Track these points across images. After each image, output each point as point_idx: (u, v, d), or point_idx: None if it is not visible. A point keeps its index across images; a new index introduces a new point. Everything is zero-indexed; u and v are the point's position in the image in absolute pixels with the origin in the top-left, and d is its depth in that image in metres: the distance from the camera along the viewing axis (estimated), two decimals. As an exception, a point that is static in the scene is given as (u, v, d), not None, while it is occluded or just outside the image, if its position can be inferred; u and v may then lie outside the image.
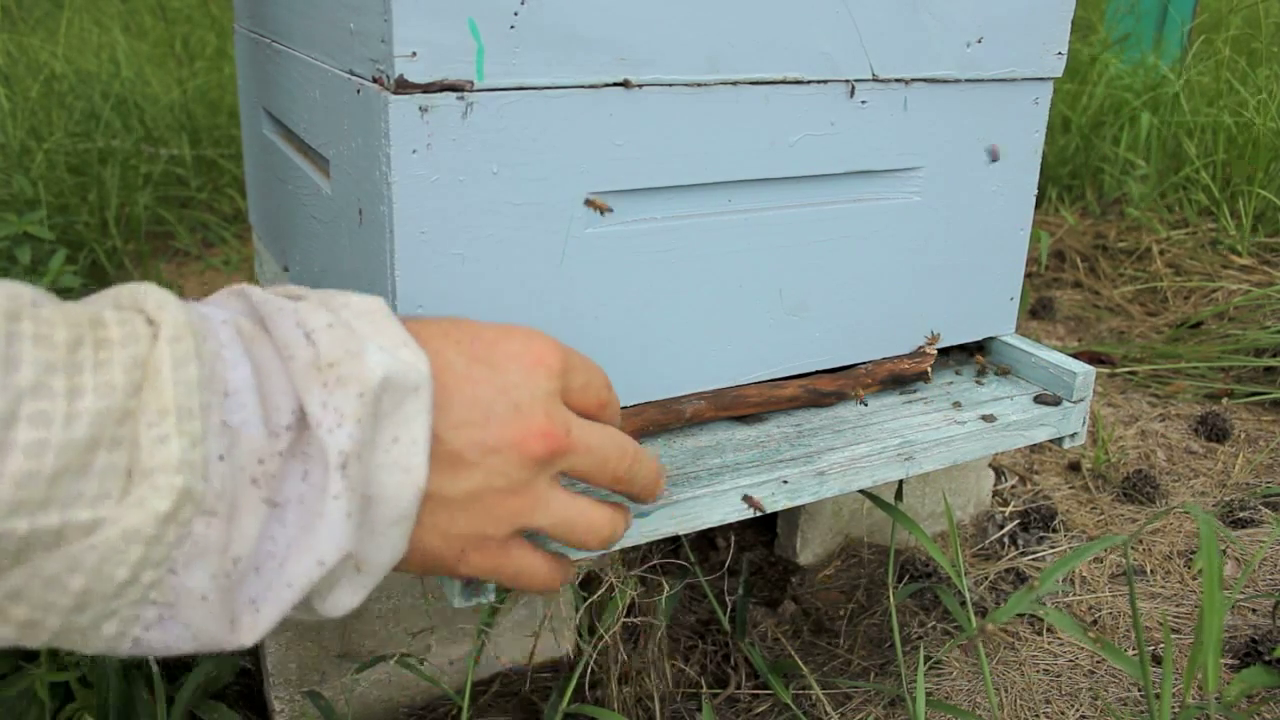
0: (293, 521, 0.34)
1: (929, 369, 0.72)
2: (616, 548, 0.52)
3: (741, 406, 0.66)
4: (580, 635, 0.73)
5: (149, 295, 0.33)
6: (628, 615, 0.78)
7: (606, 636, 0.69)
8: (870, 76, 0.63)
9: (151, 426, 0.30)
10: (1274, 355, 1.28)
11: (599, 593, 0.68)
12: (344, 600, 0.37)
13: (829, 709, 0.75)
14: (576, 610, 0.78)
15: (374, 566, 0.37)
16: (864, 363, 0.71)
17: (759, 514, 0.60)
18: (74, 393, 0.29)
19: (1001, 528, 0.99)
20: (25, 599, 0.30)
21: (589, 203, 0.55)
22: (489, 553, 0.41)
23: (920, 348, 0.73)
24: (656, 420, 0.63)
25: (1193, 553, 0.94)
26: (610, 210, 0.57)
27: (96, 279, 1.48)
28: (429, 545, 0.39)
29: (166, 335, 0.31)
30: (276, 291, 0.39)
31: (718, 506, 0.58)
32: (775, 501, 0.61)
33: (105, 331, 0.31)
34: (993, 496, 1.04)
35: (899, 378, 0.72)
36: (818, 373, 0.70)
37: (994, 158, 0.62)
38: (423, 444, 0.36)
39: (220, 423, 0.32)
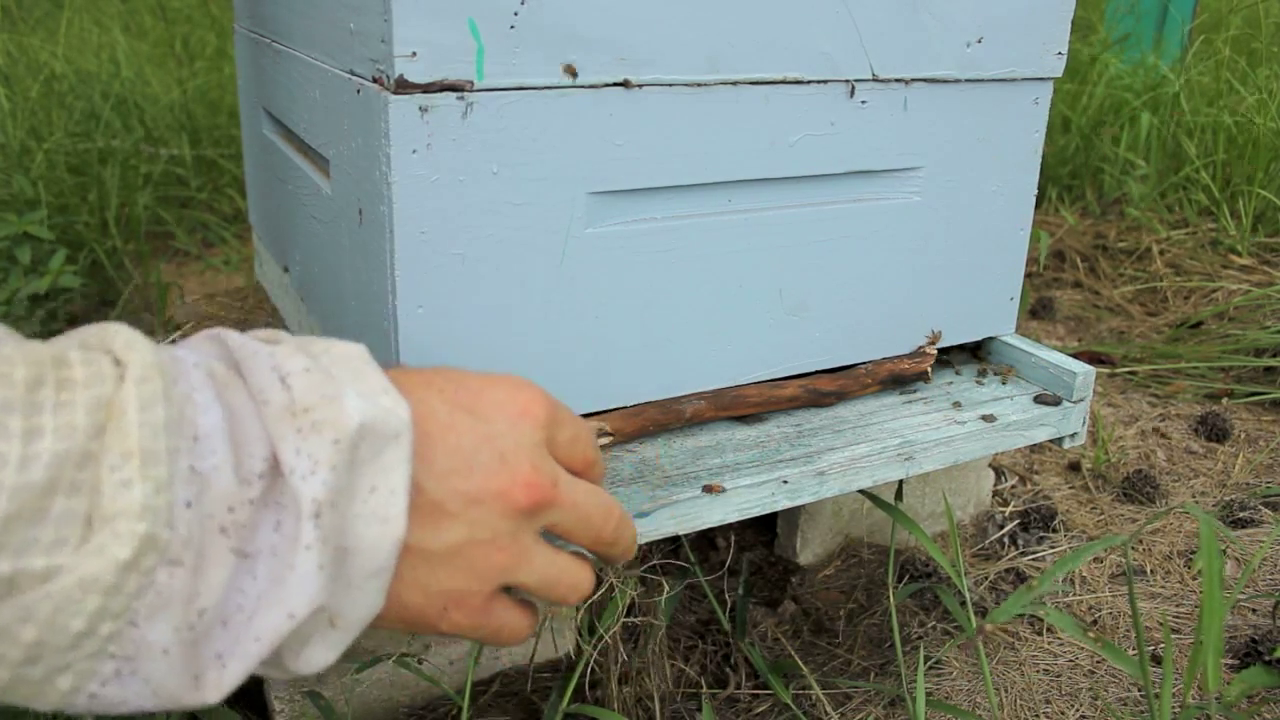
0: (263, 574, 0.33)
1: (929, 369, 0.72)
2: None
3: (741, 406, 0.66)
4: (580, 635, 0.73)
5: (117, 335, 0.32)
6: (628, 615, 0.78)
7: (606, 637, 0.69)
8: (870, 76, 0.63)
9: (114, 470, 0.29)
10: (1274, 355, 1.28)
11: (599, 593, 0.68)
12: (317, 657, 0.35)
13: (829, 709, 0.75)
14: (577, 610, 0.78)
15: (349, 622, 0.35)
16: (864, 363, 0.71)
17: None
18: (31, 434, 0.28)
19: (1001, 528, 0.99)
20: None
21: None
22: (471, 610, 0.39)
23: (920, 348, 0.73)
24: (656, 420, 0.63)
25: (1193, 553, 0.94)
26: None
27: (96, 279, 1.48)
28: (409, 601, 0.38)
29: (134, 376, 0.30)
30: (255, 336, 0.37)
31: (718, 506, 0.58)
32: (775, 501, 0.61)
33: (69, 371, 0.30)
34: (993, 496, 1.04)
35: (899, 378, 0.72)
36: (818, 373, 0.70)
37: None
38: (402, 494, 0.35)
39: (189, 468, 0.31)
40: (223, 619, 0.32)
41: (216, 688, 0.32)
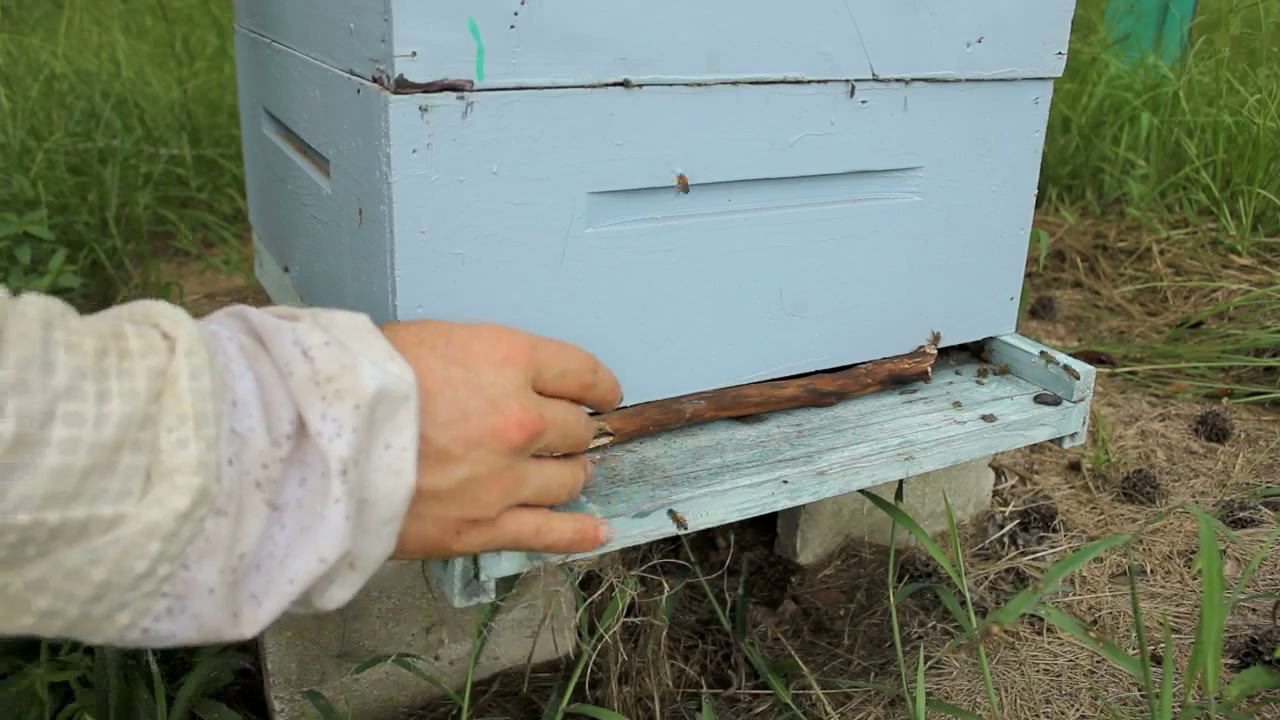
0: (291, 524, 0.37)
1: (929, 369, 0.72)
2: (602, 551, 0.53)
3: (741, 406, 0.66)
4: (580, 635, 0.73)
5: (163, 312, 0.36)
6: (628, 615, 0.78)
7: (606, 637, 0.69)
8: (870, 76, 0.63)
9: (171, 431, 0.33)
10: (1274, 355, 1.28)
11: (599, 592, 0.68)
12: (338, 595, 0.40)
13: (829, 709, 0.75)
14: (577, 610, 0.78)
15: (366, 563, 0.40)
16: (864, 363, 0.71)
17: (682, 532, 0.59)
18: (102, 396, 0.31)
19: (1001, 528, 0.99)
20: (48, 589, 0.31)
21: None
22: (483, 530, 0.44)
23: (920, 348, 0.73)
24: (656, 420, 0.63)
25: (1193, 553, 0.94)
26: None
27: (96, 279, 1.48)
28: (426, 533, 0.42)
29: (183, 348, 0.34)
30: (271, 312, 0.41)
31: (718, 506, 0.58)
32: (775, 501, 0.61)
33: (126, 343, 0.33)
34: (993, 496, 1.04)
35: (899, 378, 0.72)
36: (818, 373, 0.70)
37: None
38: (412, 449, 0.39)
39: (230, 429, 0.35)
40: (257, 563, 0.36)
41: (252, 623, 0.37)
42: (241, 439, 0.35)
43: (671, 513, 0.57)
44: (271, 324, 0.39)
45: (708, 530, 0.90)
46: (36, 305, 0.32)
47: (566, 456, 0.50)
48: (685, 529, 0.57)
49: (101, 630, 0.33)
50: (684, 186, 0.58)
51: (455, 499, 0.42)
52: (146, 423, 0.32)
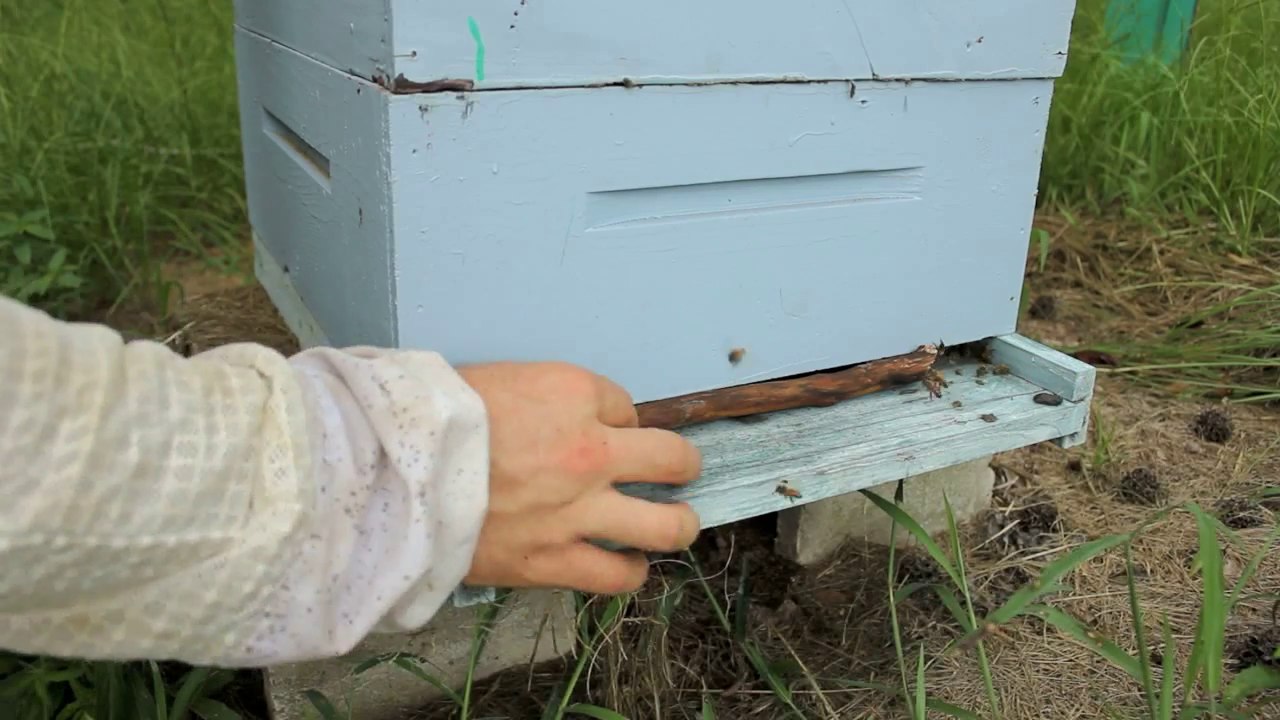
0: (377, 547, 0.40)
1: (929, 369, 0.72)
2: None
3: (741, 406, 0.66)
4: (580, 635, 0.73)
5: (258, 353, 0.40)
6: (628, 615, 0.78)
7: (607, 637, 0.69)
8: (870, 76, 0.63)
9: (273, 461, 0.36)
10: (1274, 355, 1.28)
11: (611, 605, 0.68)
12: (420, 613, 0.42)
13: (829, 709, 0.75)
14: (577, 610, 0.78)
15: (444, 583, 0.42)
16: (864, 362, 0.71)
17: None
18: (211, 429, 0.35)
19: (1001, 527, 0.99)
20: (164, 612, 0.34)
21: (780, 489, 0.59)
22: (551, 557, 0.46)
23: (921, 348, 0.73)
24: (656, 420, 0.63)
25: (1193, 552, 0.94)
26: (799, 495, 0.60)
27: (96, 279, 1.48)
28: (496, 557, 0.44)
29: (279, 385, 0.37)
30: (351, 351, 0.45)
31: (718, 506, 0.58)
32: (775, 501, 0.61)
33: (228, 381, 0.37)
34: (993, 496, 1.04)
35: (899, 377, 0.72)
36: (818, 373, 0.70)
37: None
38: (483, 474, 0.41)
39: (322, 460, 0.38)
40: (348, 584, 0.39)
41: (346, 639, 0.39)
42: (331, 469, 0.38)
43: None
44: (351, 363, 0.42)
45: (708, 530, 0.90)
46: (150, 348, 0.36)
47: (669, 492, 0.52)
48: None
49: (210, 650, 0.36)
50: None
51: (523, 523, 0.44)
52: (250, 453, 0.35)
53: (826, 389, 0.69)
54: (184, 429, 0.34)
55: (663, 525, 0.48)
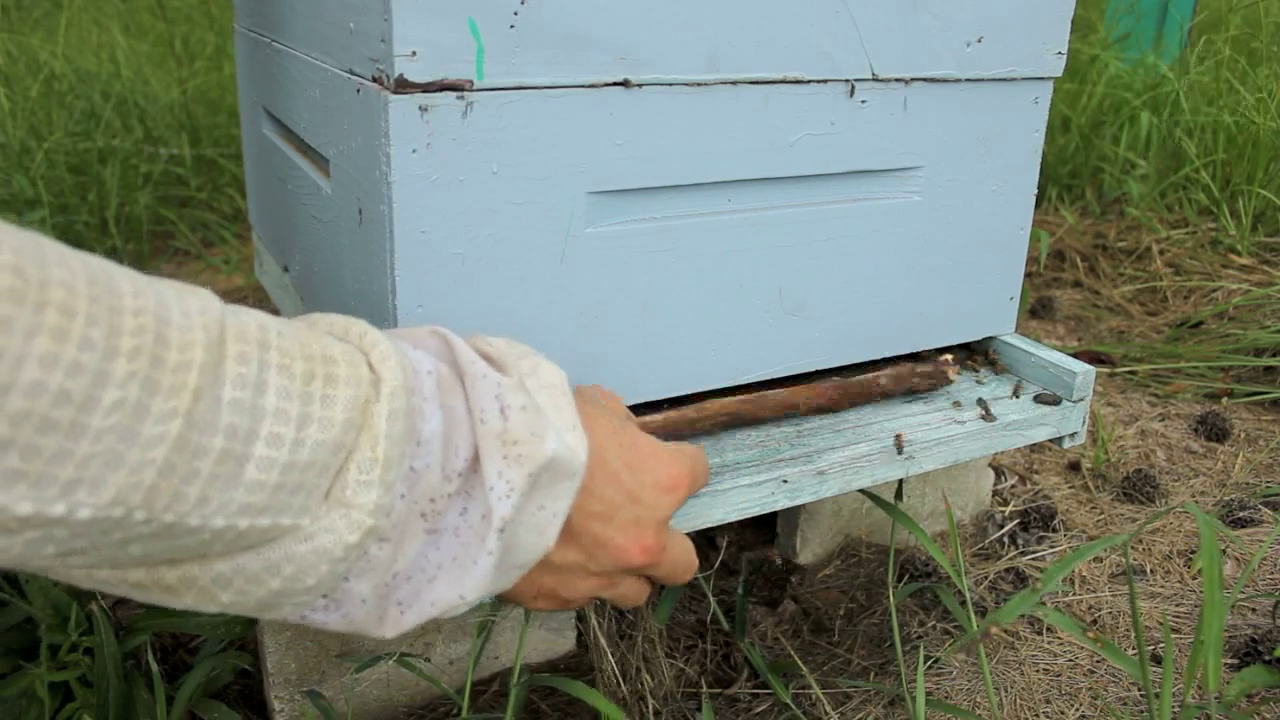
0: (445, 547, 0.40)
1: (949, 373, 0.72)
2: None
3: (765, 411, 0.65)
4: (579, 634, 0.73)
5: (375, 344, 0.38)
6: (627, 614, 0.78)
7: (602, 637, 0.69)
8: (870, 76, 0.63)
9: (361, 470, 0.36)
10: (1274, 355, 1.28)
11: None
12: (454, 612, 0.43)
13: (829, 709, 0.75)
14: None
15: (478, 595, 0.42)
16: (883, 371, 0.71)
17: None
18: (303, 421, 0.34)
19: (1001, 527, 0.99)
20: (231, 587, 0.36)
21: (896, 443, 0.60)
22: (554, 603, 0.47)
23: (939, 364, 0.72)
24: (672, 423, 0.62)
25: (1193, 552, 0.94)
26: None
27: (96, 279, 1.48)
28: (515, 590, 0.45)
29: (387, 390, 0.37)
30: (475, 346, 0.43)
31: (718, 506, 0.58)
32: (775, 501, 0.61)
33: (334, 368, 0.36)
34: (992, 496, 1.04)
35: (913, 389, 0.71)
36: (841, 378, 0.70)
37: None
38: (561, 518, 0.42)
39: (409, 468, 0.38)
40: (408, 576, 0.39)
41: (395, 627, 0.40)
42: (416, 475, 0.38)
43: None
44: (479, 370, 0.41)
45: (708, 530, 0.90)
46: (256, 323, 0.35)
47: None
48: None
49: (268, 613, 0.38)
50: None
51: (556, 574, 0.45)
52: (339, 449, 0.35)
53: (845, 398, 0.68)
54: (276, 419, 0.34)
55: (642, 598, 0.51)
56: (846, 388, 0.69)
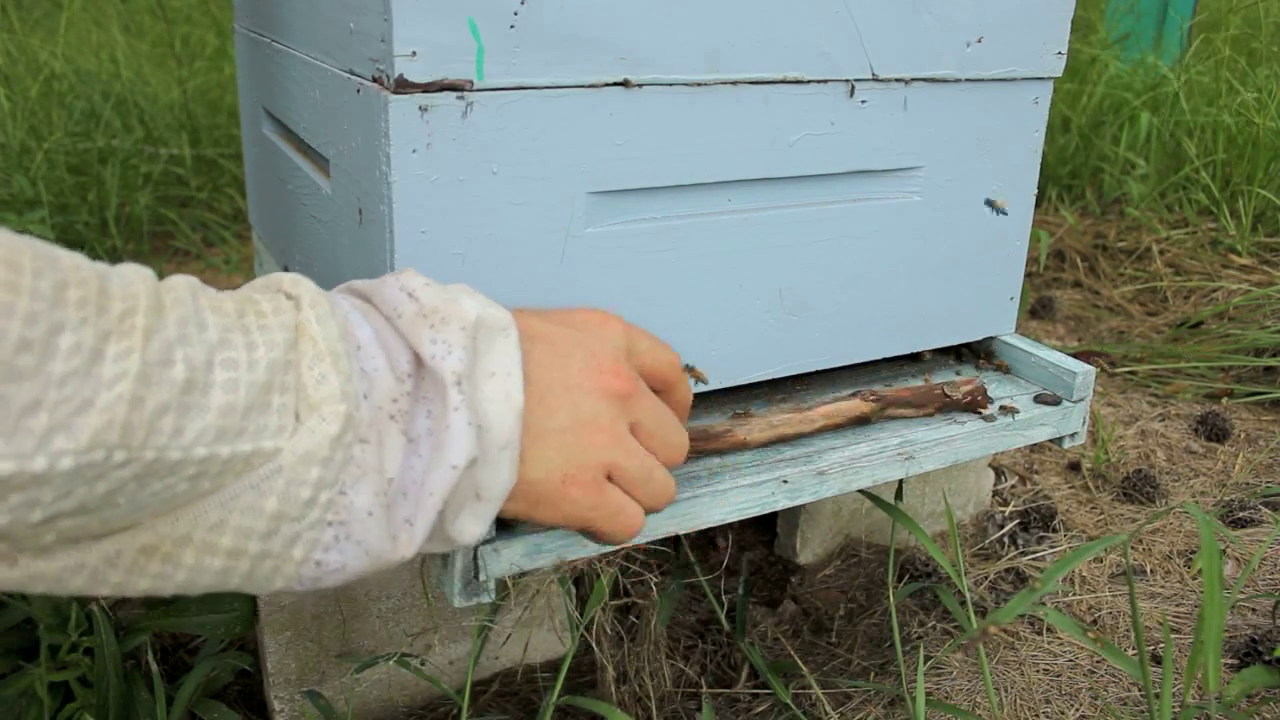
0: (425, 451, 0.40)
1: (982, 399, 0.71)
2: (602, 551, 0.53)
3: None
4: (576, 632, 0.73)
5: (283, 278, 0.40)
6: (626, 615, 0.78)
7: (592, 632, 0.69)
8: (870, 76, 0.63)
9: (312, 368, 0.37)
10: (1274, 355, 1.28)
11: (596, 590, 0.68)
12: (470, 528, 0.42)
13: (829, 709, 0.75)
14: (576, 609, 0.78)
15: (491, 494, 0.42)
16: (931, 386, 0.70)
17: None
18: (250, 345, 0.36)
19: (1001, 527, 0.99)
20: (228, 528, 0.36)
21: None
22: (587, 487, 0.45)
23: (969, 394, 0.70)
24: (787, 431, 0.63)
25: (1193, 552, 0.94)
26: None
27: (96, 279, 1.48)
28: (533, 477, 0.44)
29: (307, 301, 0.38)
30: (375, 280, 0.45)
31: (717, 506, 0.58)
32: (775, 501, 0.61)
33: (259, 305, 0.38)
34: (993, 496, 1.04)
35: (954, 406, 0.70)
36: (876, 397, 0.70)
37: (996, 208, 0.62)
38: (517, 374, 0.42)
39: (359, 369, 0.39)
40: (403, 490, 0.40)
41: (409, 544, 0.40)
42: (370, 377, 0.39)
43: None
44: (376, 280, 0.43)
45: (708, 530, 0.90)
46: (183, 280, 0.37)
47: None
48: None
49: (282, 570, 0.37)
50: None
51: (558, 441, 0.44)
52: (288, 366, 0.36)
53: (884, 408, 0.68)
54: (223, 347, 0.35)
55: (672, 492, 0.49)
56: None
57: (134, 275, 0.35)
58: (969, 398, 0.69)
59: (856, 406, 0.66)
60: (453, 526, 0.42)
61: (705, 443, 0.62)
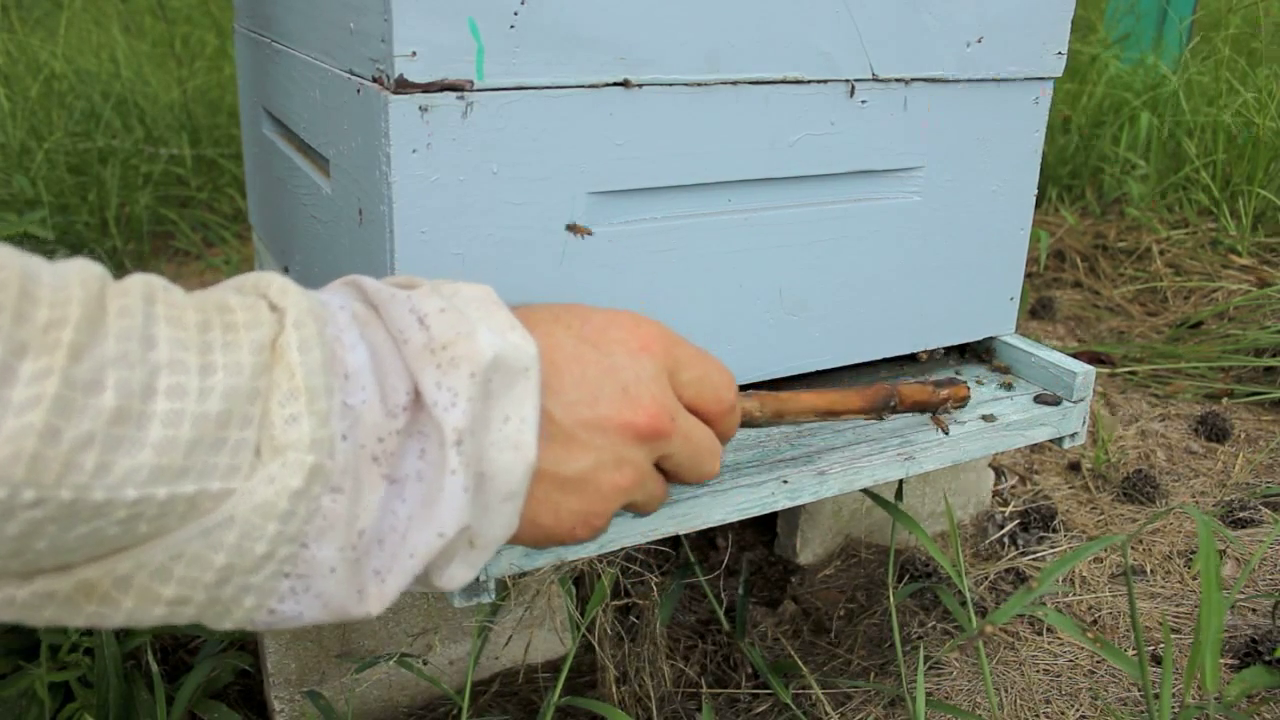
0: (412, 497, 0.36)
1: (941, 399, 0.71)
2: (603, 550, 0.53)
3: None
4: (577, 632, 0.73)
5: (271, 282, 0.35)
6: (626, 615, 0.78)
7: (594, 633, 0.69)
8: (870, 76, 0.63)
9: (283, 406, 0.32)
10: (1274, 355, 1.28)
11: (596, 590, 0.68)
12: (459, 575, 0.38)
13: (829, 709, 0.75)
14: (577, 609, 0.78)
15: (487, 541, 0.38)
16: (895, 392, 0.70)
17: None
18: (206, 370, 0.31)
19: (1001, 528, 0.99)
20: (172, 577, 0.31)
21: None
22: (594, 528, 0.42)
23: (948, 394, 0.70)
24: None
25: (1193, 553, 0.94)
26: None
27: (96, 279, 1.48)
28: (542, 521, 0.41)
29: (291, 319, 0.33)
30: (390, 281, 0.40)
31: (718, 506, 0.58)
32: (775, 501, 0.61)
33: (231, 316, 0.33)
34: (993, 496, 1.04)
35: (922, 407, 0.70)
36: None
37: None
38: (532, 423, 0.37)
39: (342, 403, 0.34)
40: (379, 539, 0.35)
41: (379, 600, 0.36)
42: (355, 413, 0.34)
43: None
44: (387, 292, 0.38)
45: (708, 530, 0.90)
46: (142, 281, 0.32)
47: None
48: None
49: (230, 614, 0.33)
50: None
51: (575, 488, 0.40)
52: (255, 396, 0.32)
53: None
54: (173, 370, 0.30)
55: (662, 498, 0.47)
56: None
57: (74, 277, 0.30)
58: (942, 402, 0.69)
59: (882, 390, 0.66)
60: (440, 576, 0.38)
61: (782, 403, 0.61)
